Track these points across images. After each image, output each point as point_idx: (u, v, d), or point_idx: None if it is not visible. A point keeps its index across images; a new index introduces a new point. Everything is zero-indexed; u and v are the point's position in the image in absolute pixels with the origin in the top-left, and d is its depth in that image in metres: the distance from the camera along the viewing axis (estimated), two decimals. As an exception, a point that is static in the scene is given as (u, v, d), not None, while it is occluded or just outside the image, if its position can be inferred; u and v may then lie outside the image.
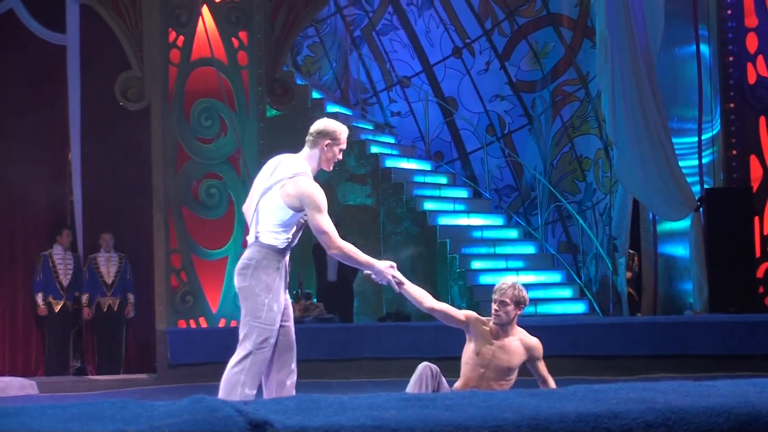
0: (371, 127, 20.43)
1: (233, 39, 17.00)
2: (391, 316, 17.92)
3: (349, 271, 17.52)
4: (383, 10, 20.61)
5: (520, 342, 8.83)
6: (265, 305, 7.99)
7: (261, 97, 17.07)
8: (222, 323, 16.11)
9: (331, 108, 19.71)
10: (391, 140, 20.43)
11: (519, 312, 8.69)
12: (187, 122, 16.44)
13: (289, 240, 8.38)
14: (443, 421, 4.25)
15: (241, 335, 7.94)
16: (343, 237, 17.83)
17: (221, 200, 16.40)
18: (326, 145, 8.08)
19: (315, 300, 17.21)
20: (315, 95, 19.90)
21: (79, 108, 16.53)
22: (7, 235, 16.44)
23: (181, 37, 16.68)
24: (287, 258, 8.43)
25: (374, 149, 19.64)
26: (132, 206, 16.53)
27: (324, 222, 8.14)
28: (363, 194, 19.08)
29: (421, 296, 8.76)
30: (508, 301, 8.52)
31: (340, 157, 8.26)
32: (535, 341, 8.99)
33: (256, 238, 8.10)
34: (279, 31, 17.21)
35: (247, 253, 8.12)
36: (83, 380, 15.74)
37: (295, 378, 8.10)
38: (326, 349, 15.43)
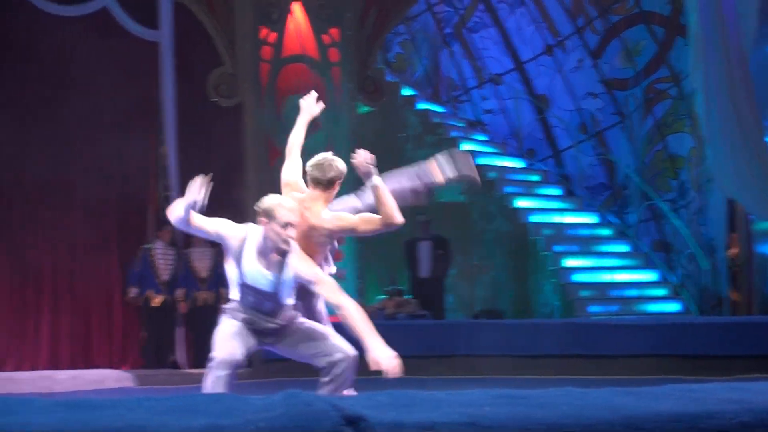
0: (463, 125, 20.36)
1: (324, 36, 17.05)
2: (485, 313, 17.89)
3: (441, 268, 17.48)
4: (474, 7, 20.53)
5: None
6: None
7: (352, 94, 17.08)
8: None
9: (422, 105, 19.73)
10: (483, 138, 20.38)
11: None
12: (278, 118, 16.37)
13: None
14: (537, 418, 4.17)
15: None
16: (436, 234, 17.53)
17: None
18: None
19: (408, 296, 17.18)
20: (405, 92, 19.89)
21: (173, 104, 16.63)
22: (105, 230, 16.51)
23: (273, 34, 16.71)
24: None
25: (466, 146, 19.37)
26: (226, 201, 16.27)
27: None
28: (455, 191, 18.79)
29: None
30: None
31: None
32: None
33: None
34: (370, 28, 17.24)
35: None
36: (179, 373, 15.80)
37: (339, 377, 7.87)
38: (419, 345, 15.33)
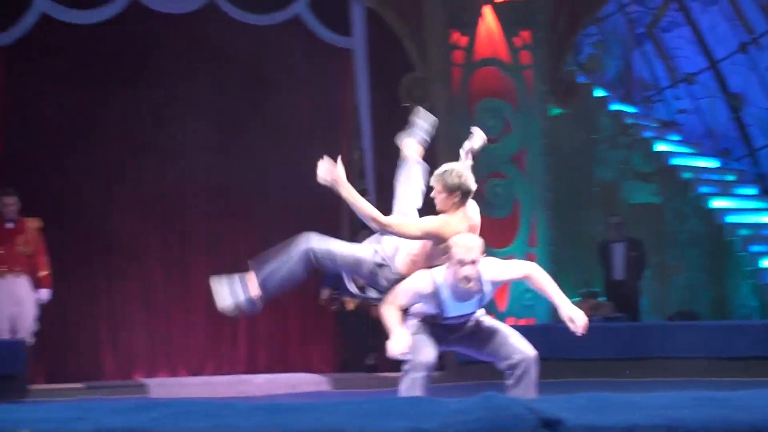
0: (656, 125, 20.14)
1: (515, 38, 16.90)
2: (679, 314, 17.68)
3: (635, 270, 17.31)
4: (666, 6, 20.27)
5: None
6: None
7: (544, 96, 16.96)
8: (510, 322, 15.81)
9: (614, 106, 19.56)
10: (677, 138, 20.13)
11: None
12: (470, 121, 15.92)
13: None
14: (738, 420, 4.17)
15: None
16: (629, 236, 17.22)
17: (506, 199, 16.35)
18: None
19: (602, 299, 17.11)
20: (597, 93, 19.74)
21: (368, 109, 16.67)
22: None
23: (464, 38, 16.65)
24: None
25: (659, 147, 19.36)
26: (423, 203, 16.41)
27: None
28: (648, 192, 18.82)
29: None
30: None
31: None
32: None
33: None
34: (561, 29, 17.10)
35: None
36: (375, 377, 15.85)
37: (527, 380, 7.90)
38: (614, 348, 15.33)
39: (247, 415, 4.33)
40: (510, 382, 7.70)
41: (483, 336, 7.90)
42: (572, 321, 7.55)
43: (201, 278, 15.74)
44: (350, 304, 16.16)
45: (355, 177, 16.42)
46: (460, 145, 16.18)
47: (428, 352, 7.80)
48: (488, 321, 7.99)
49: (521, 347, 7.72)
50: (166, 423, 4.17)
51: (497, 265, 7.97)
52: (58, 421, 4.23)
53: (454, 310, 7.86)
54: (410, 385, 7.79)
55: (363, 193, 16.41)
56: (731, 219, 18.62)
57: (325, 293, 16.22)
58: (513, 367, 7.68)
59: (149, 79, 16.33)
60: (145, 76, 16.34)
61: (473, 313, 7.93)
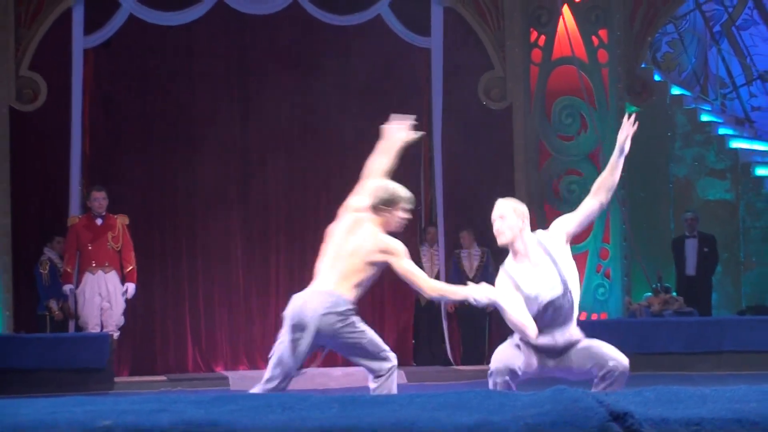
0: (732, 122, 19.65)
1: (593, 37, 16.76)
2: (751, 309, 17.39)
3: (709, 266, 17.05)
4: (743, 5, 19.93)
5: None
6: None
7: (620, 94, 16.74)
8: (582, 317, 15.42)
9: (689, 105, 19.17)
10: (751, 135, 19.63)
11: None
12: (548, 120, 16.40)
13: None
14: None
15: None
16: (702, 232, 16.83)
17: (581, 196, 15.48)
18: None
19: (675, 294, 16.65)
20: (674, 91, 19.27)
21: (441, 109, 16.48)
22: None
23: (543, 37, 16.53)
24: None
25: (734, 144, 18.90)
26: (493, 202, 15.93)
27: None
28: (722, 189, 18.44)
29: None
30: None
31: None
32: None
33: None
34: (638, 28, 16.90)
35: None
36: (448, 370, 15.81)
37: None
38: (686, 341, 15.08)
39: (323, 408, 4.35)
40: (601, 384, 7.48)
41: (582, 354, 7.59)
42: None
43: (278, 277, 16.34)
44: (422, 299, 15.92)
45: (427, 175, 16.77)
46: (536, 143, 16.27)
47: (512, 357, 7.59)
48: (584, 341, 7.69)
49: (616, 356, 7.44)
50: (245, 415, 4.15)
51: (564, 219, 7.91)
52: (140, 413, 4.23)
53: (527, 282, 7.52)
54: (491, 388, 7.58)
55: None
56: None
57: None
58: (606, 373, 7.42)
59: (233, 78, 16.56)
60: (230, 76, 16.44)
61: (560, 297, 7.55)
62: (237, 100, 16.35)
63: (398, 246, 7.97)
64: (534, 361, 7.65)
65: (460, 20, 16.40)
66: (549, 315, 7.52)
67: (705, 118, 19.16)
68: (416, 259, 15.65)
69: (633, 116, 7.82)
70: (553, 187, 16.24)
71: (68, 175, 15.28)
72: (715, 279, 17.49)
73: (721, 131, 18.94)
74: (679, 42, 20.11)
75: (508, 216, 7.72)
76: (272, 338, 15.71)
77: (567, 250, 7.73)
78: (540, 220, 15.77)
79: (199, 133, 16.07)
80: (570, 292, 7.58)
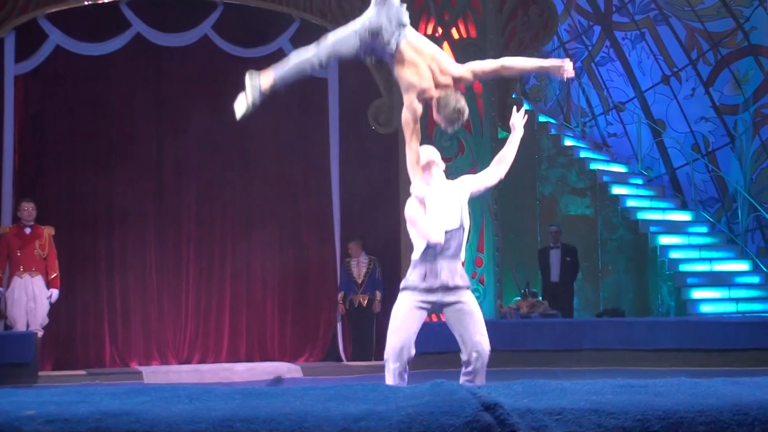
0: (590, 147, 20.22)
1: None
2: (608, 312, 17.69)
3: (569, 273, 17.39)
4: (601, 43, 20.37)
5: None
6: None
7: (493, 121, 16.80)
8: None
9: (555, 130, 19.59)
10: (608, 158, 20.18)
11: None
12: (430, 141, 15.82)
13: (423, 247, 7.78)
14: (654, 405, 4.14)
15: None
16: (565, 243, 17.02)
17: None
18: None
19: (540, 298, 17.05)
20: (541, 119, 19.69)
21: (337, 132, 16.75)
22: (286, 239, 16.79)
23: None
24: (435, 263, 7.74)
25: (593, 166, 19.40)
26: (382, 217, 16.54)
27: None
28: (583, 205, 18.90)
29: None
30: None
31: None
32: None
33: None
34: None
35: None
36: (340, 365, 16.02)
37: (477, 365, 7.74)
38: (551, 340, 15.38)
39: (226, 399, 4.32)
40: (465, 370, 7.70)
41: (462, 316, 7.73)
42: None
43: (188, 282, 16.39)
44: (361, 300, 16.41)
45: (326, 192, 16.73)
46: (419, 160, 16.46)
47: (405, 339, 7.71)
48: (470, 304, 7.79)
49: (482, 343, 7.66)
50: (156, 405, 4.11)
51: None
52: (61, 404, 4.17)
53: (433, 207, 7.63)
54: (389, 374, 7.83)
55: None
56: (654, 229, 18.69)
57: (340, 295, 16.46)
58: (471, 359, 7.66)
59: (149, 103, 16.49)
60: (146, 101, 16.49)
61: (458, 231, 7.69)
62: (152, 122, 16.37)
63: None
64: (424, 315, 7.73)
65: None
66: (441, 244, 7.61)
67: (568, 142, 19.54)
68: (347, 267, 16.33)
69: (523, 110, 8.18)
70: None
71: (0, 188, 15.30)
72: (577, 285, 17.78)
73: (582, 154, 19.44)
74: (545, 76, 20.26)
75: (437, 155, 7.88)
76: (182, 336, 16.40)
77: (466, 201, 7.81)
78: None
79: (118, 151, 16.04)
80: (463, 229, 7.72)
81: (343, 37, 7.46)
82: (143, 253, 16.35)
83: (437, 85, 7.47)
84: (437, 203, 7.70)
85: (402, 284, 7.85)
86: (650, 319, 16.99)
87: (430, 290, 7.73)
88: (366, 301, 16.46)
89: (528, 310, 16.54)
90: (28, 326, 14.50)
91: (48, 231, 14.82)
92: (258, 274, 16.73)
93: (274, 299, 16.66)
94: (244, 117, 7.59)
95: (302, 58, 7.58)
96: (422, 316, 7.83)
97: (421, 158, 7.72)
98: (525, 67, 8.33)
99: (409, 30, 7.45)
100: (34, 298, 14.60)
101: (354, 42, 7.41)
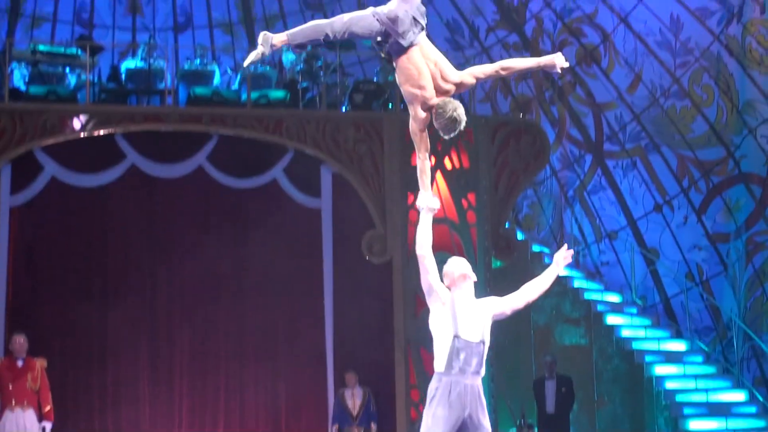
0: (584, 276, 20.12)
1: (463, 200, 17.02)
2: None
3: (565, 404, 17.16)
4: (593, 172, 20.42)
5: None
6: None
7: (487, 251, 16.90)
8: None
9: (548, 260, 19.09)
10: (601, 287, 20.03)
11: None
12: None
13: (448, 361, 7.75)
14: None
15: None
16: (560, 374, 16.87)
17: None
18: None
19: (536, 429, 16.97)
20: (534, 248, 19.68)
21: (331, 261, 16.75)
22: (279, 371, 16.68)
23: None
24: (461, 380, 7.71)
25: (587, 295, 19.27)
26: (376, 346, 16.56)
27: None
28: (577, 335, 18.73)
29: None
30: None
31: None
32: None
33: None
34: (502, 193, 17.25)
35: None
36: None
37: None
38: None
39: None
40: None
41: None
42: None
43: (183, 414, 16.45)
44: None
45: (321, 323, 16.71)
46: (413, 293, 16.14)
47: (437, 428, 7.65)
48: (488, 430, 7.77)
49: None
50: None
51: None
52: None
53: (463, 326, 7.67)
54: None
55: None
56: (649, 359, 18.49)
57: (335, 428, 16.22)
58: None
59: (143, 234, 16.55)
60: (140, 231, 16.54)
61: (480, 345, 7.72)
62: (146, 254, 16.40)
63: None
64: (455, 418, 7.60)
65: (346, 183, 16.63)
66: (462, 358, 7.64)
67: (561, 272, 19.82)
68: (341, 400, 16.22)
69: (568, 250, 8.38)
70: (429, 334, 15.83)
71: None
72: (572, 416, 17.29)
73: (576, 284, 19.25)
74: (538, 205, 20.48)
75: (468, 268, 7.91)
76: None
77: (490, 319, 7.83)
78: (416, 362, 16.16)
79: (112, 283, 16.23)
80: (484, 344, 7.71)
81: (360, 16, 7.52)
82: (136, 385, 16.38)
83: (438, 91, 7.51)
84: (462, 308, 7.75)
85: (429, 395, 7.76)
86: None
87: (457, 408, 7.65)
88: None
89: None
90: None
91: (41, 363, 14.54)
92: (251, 406, 16.66)
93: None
94: (252, 63, 7.63)
95: (317, 25, 7.53)
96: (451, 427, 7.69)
97: (455, 271, 7.89)
98: (522, 67, 8.26)
99: (423, 36, 7.53)
100: None
101: (370, 22, 7.47)
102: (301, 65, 17.59)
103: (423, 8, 7.56)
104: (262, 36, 7.56)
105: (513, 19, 20.27)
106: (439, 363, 7.72)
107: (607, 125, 20.04)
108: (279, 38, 7.50)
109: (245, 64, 7.79)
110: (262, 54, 7.48)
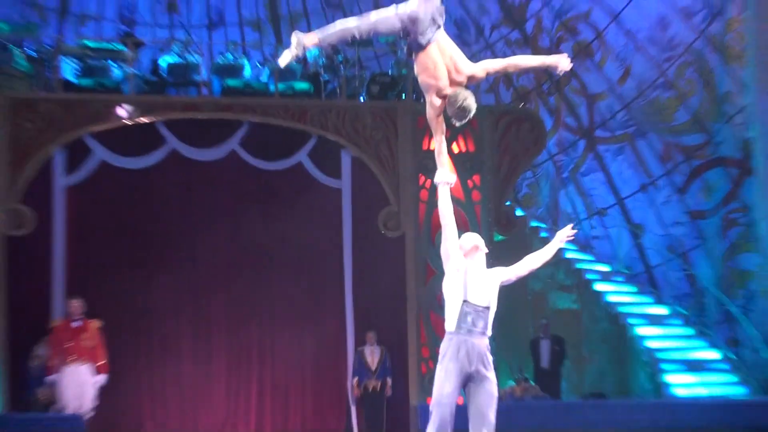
0: (576, 248, 20.19)
1: (468, 181, 17.15)
2: (592, 395, 17.79)
3: (559, 361, 17.56)
4: (585, 156, 20.45)
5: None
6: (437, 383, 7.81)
7: (490, 226, 16.90)
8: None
9: (544, 234, 19.66)
10: (592, 258, 20.17)
11: None
12: (433, 245, 16.25)
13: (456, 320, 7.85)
14: None
15: None
16: (554, 335, 17.14)
17: None
18: None
19: (532, 383, 17.20)
20: (532, 224, 19.89)
21: (350, 236, 16.87)
22: (305, 331, 17.02)
23: (429, 180, 16.69)
24: (468, 339, 7.83)
25: (579, 265, 19.55)
26: (390, 310, 16.75)
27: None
28: (569, 300, 19.03)
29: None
30: None
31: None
32: None
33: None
34: (504, 174, 17.35)
35: None
36: None
37: None
38: (541, 420, 15.29)
39: None
40: None
41: (484, 394, 7.81)
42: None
43: (221, 368, 16.59)
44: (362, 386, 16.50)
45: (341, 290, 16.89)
46: (424, 264, 16.58)
47: (447, 387, 7.71)
48: (493, 384, 7.90)
49: (492, 424, 7.74)
50: None
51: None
52: None
53: (472, 292, 7.79)
54: (435, 420, 7.69)
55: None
56: (633, 321, 18.70)
57: (355, 381, 16.54)
58: None
59: (183, 210, 16.83)
60: (178, 210, 16.82)
61: (487, 310, 7.83)
62: (186, 228, 16.59)
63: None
64: (461, 381, 7.71)
65: (364, 165, 16.75)
66: (470, 320, 7.81)
67: (562, 246, 19.68)
68: (361, 357, 16.45)
69: (571, 229, 8.47)
70: (437, 299, 15.69)
71: (51, 287, 15.62)
72: (564, 371, 17.78)
73: (568, 255, 19.49)
74: (536, 185, 20.62)
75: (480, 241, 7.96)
76: (213, 417, 16.61)
77: (497, 286, 7.97)
78: (426, 324, 16.35)
79: (156, 253, 16.47)
80: (489, 309, 7.84)
81: (385, 17, 7.46)
82: (178, 343, 16.60)
83: (452, 82, 7.54)
84: (473, 276, 7.86)
85: (441, 352, 7.84)
86: (630, 401, 17.10)
87: (464, 363, 7.74)
88: (379, 386, 16.53)
89: (521, 394, 16.56)
90: (77, 410, 14.58)
91: (94, 324, 14.92)
92: (281, 362, 16.91)
93: (295, 383, 16.81)
94: (288, 65, 7.70)
95: (345, 26, 7.46)
96: (461, 383, 7.83)
97: (467, 243, 7.95)
98: (529, 65, 8.28)
99: (441, 32, 7.53)
100: (81, 384, 14.70)
101: (393, 22, 7.45)
102: (323, 60, 17.50)
103: (442, 8, 7.52)
104: (295, 38, 7.43)
105: (514, 17, 20.13)
106: (450, 324, 7.83)
107: (599, 114, 20.09)
108: (310, 39, 7.39)
109: (281, 65, 7.66)
110: (296, 55, 7.42)
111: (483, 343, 7.83)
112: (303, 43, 7.39)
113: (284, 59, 7.54)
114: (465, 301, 7.82)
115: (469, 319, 7.81)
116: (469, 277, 7.86)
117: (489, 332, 7.87)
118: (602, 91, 20.08)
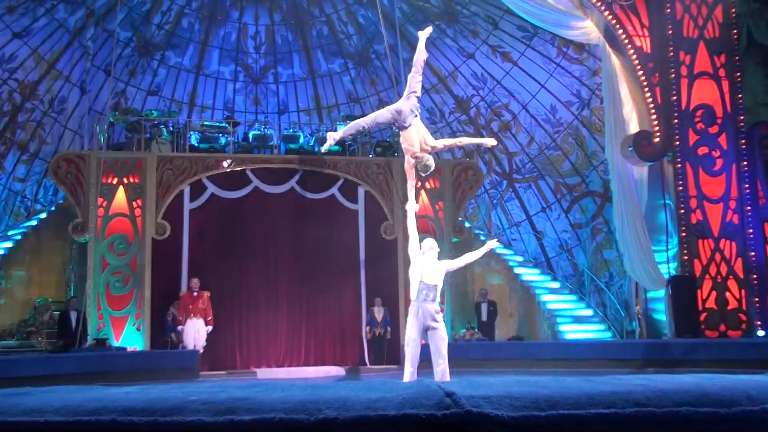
0: (503, 246, 19.64)
1: (436, 205, 16.68)
2: (515, 338, 17.12)
3: (493, 316, 16.74)
4: (507, 190, 19.87)
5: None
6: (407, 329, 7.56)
7: (449, 233, 16.55)
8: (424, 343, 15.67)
9: (483, 237, 18.98)
10: (512, 252, 19.66)
11: None
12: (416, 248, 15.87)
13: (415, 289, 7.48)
14: (541, 393, 4.05)
15: None
16: (490, 299, 16.34)
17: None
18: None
19: (476, 330, 16.68)
20: (476, 232, 19.25)
21: (364, 240, 16.28)
22: (334, 299, 16.17)
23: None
24: (423, 305, 7.43)
25: (505, 257, 18.89)
26: (388, 285, 16.22)
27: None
28: (499, 278, 18.36)
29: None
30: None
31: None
32: None
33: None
34: (457, 201, 16.91)
35: None
36: (366, 368, 15.62)
37: (442, 368, 7.40)
38: (481, 354, 14.98)
39: (302, 389, 4.32)
40: (436, 370, 7.44)
41: (439, 336, 7.49)
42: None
43: (284, 319, 15.63)
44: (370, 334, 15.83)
45: (359, 283, 16.10)
46: (408, 257, 15.76)
47: (413, 333, 7.45)
48: (443, 330, 7.56)
49: (445, 356, 7.42)
50: (263, 393, 4.11)
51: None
52: (209, 392, 4.17)
53: (426, 275, 7.42)
54: (408, 355, 7.39)
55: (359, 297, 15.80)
56: (538, 291, 18.17)
57: (367, 329, 15.78)
58: (439, 368, 7.44)
59: (262, 228, 16.00)
60: (259, 224, 15.97)
61: (434, 288, 7.43)
62: (263, 234, 15.87)
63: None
64: (421, 329, 7.38)
65: (372, 196, 16.35)
66: (424, 293, 7.52)
67: (492, 247, 19.28)
68: (369, 314, 15.63)
69: (495, 241, 8.21)
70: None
71: (180, 270, 15.25)
72: (496, 323, 17.07)
73: (498, 251, 18.73)
74: (477, 207, 20.05)
75: (434, 244, 7.79)
76: (279, 351, 15.67)
77: (443, 272, 7.71)
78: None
79: (244, 251, 15.71)
80: (436, 288, 7.63)
81: (380, 113, 7.49)
82: (257, 308, 15.72)
83: (422, 149, 7.46)
84: (427, 265, 7.60)
85: (409, 313, 7.66)
86: (537, 342, 16.60)
87: (421, 320, 7.49)
88: (382, 332, 15.97)
89: (470, 337, 16.12)
90: (195, 347, 14.21)
91: (206, 294, 14.60)
92: (320, 317, 16.16)
93: (329, 331, 16.19)
94: (327, 151, 7.66)
95: (357, 123, 7.52)
96: (421, 332, 7.56)
97: (426, 245, 7.70)
98: (470, 143, 8.32)
99: (417, 119, 7.47)
100: (198, 331, 14.36)
101: (387, 116, 7.43)
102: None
103: (417, 104, 7.56)
104: (329, 135, 7.64)
105: (463, 106, 19.79)
106: (413, 294, 7.65)
107: (515, 164, 19.68)
108: (338, 135, 7.54)
109: (323, 150, 7.81)
110: (330, 145, 7.69)
111: (433, 307, 7.54)
112: (333, 137, 7.57)
113: (324, 147, 7.70)
114: (421, 281, 7.53)
115: (424, 292, 7.52)
116: (425, 266, 7.61)
117: (438, 300, 7.66)
118: (517, 151, 19.58)
